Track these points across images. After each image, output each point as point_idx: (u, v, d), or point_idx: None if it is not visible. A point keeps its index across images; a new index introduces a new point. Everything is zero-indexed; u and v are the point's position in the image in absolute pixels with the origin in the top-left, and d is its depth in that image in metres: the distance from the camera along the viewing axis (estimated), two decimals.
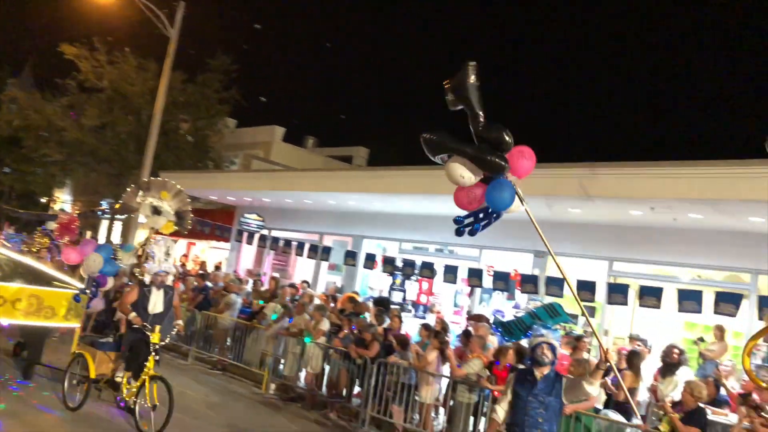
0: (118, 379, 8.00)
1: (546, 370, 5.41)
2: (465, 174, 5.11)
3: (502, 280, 10.76)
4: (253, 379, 11.48)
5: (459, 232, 5.36)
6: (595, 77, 56.53)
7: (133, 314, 7.91)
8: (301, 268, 18.38)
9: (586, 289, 9.83)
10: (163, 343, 7.86)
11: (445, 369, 9.28)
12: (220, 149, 25.80)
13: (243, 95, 25.20)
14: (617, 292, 9.69)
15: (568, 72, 58.95)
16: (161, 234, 10.66)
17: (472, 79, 5.02)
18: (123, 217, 26.77)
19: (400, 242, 15.24)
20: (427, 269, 12.15)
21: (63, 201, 34.71)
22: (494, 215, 5.31)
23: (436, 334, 9.42)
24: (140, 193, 9.54)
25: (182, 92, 24.03)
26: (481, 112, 5.02)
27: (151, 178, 9.78)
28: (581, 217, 11.31)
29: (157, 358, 7.65)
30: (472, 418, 8.79)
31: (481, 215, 5.32)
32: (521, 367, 8.49)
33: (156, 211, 9.47)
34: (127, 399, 7.71)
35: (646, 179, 9.37)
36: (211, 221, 19.41)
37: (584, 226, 11.73)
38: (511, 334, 6.10)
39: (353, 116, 62.18)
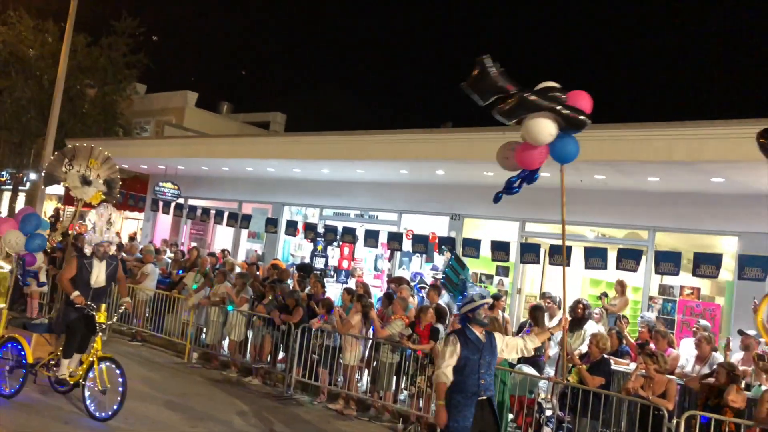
0: (64, 374, 7.21)
1: (484, 330, 5.48)
2: (553, 131, 5.39)
3: (421, 243, 11.06)
4: (174, 349, 11.37)
5: (497, 198, 5.84)
6: (504, 37, 57.72)
7: (75, 293, 7.14)
8: (220, 237, 18.14)
9: (500, 249, 10.27)
10: (110, 323, 7.31)
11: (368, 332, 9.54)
12: (130, 116, 24.81)
13: (152, 59, 24.27)
14: (529, 252, 10.17)
15: (475, 30, 59.86)
16: (91, 205, 9.93)
17: (493, 71, 5.14)
18: (26, 187, 25.41)
19: (321, 208, 15.30)
20: (349, 234, 12.31)
21: None
22: (533, 177, 5.74)
23: (359, 297, 9.63)
24: (65, 161, 8.54)
25: (87, 56, 22.85)
26: (526, 92, 5.23)
27: (76, 144, 8.64)
28: (494, 180, 11.71)
29: (104, 338, 7.14)
30: (394, 377, 9.10)
31: (526, 175, 5.73)
32: (439, 326, 8.89)
33: (85, 180, 8.51)
34: (71, 382, 7.20)
35: None
36: (124, 191, 18.71)
37: (497, 189, 12.11)
38: (452, 293, 6.17)
39: (268, 82, 60.82)
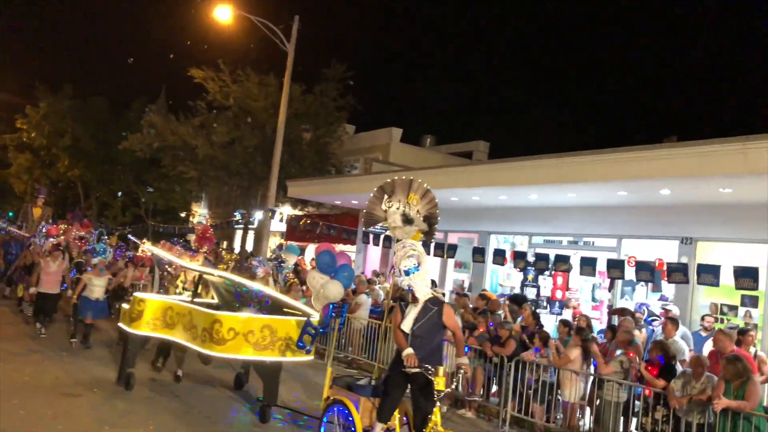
0: None
1: None
2: None
3: (647, 271, 9.95)
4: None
5: None
6: (742, 46, 52.17)
7: (408, 351, 5.81)
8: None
9: (746, 275, 8.85)
10: (449, 390, 5.92)
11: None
12: (341, 155, 26.35)
13: (358, 100, 25.59)
14: None
15: (716, 40, 54.85)
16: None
17: None
18: (254, 226, 28.10)
19: (530, 236, 14.70)
20: (563, 262, 11.52)
21: (200, 214, 37.08)
22: None
23: (579, 330, 8.96)
24: (385, 197, 7.46)
25: (302, 103, 24.79)
26: None
27: (395, 178, 7.61)
28: (732, 197, 10.30)
29: (444, 410, 6.15)
30: (622, 417, 8.23)
31: None
32: (675, 364, 7.88)
33: (407, 219, 7.28)
34: None
35: None
36: (338, 225, 19.81)
37: (736, 207, 10.68)
38: None
39: (469, 112, 61.47)
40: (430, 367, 5.71)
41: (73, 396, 8.03)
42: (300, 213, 25.12)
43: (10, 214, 42.40)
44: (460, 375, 6.12)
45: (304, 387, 9.93)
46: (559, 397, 8.95)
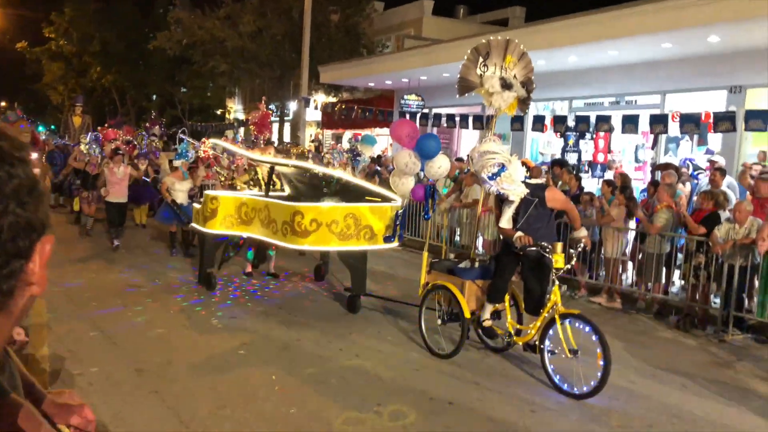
0: (486, 319, 6.01)
1: None
2: None
3: (692, 123, 9.64)
4: (431, 250, 11.71)
5: None
6: None
7: (519, 234, 5.47)
8: (465, 142, 18.12)
9: None
10: (568, 267, 5.60)
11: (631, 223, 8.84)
12: (371, 35, 25.57)
13: None
14: None
15: None
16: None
17: None
18: (290, 118, 28.06)
19: (570, 100, 14.31)
20: (604, 123, 11.23)
21: (236, 110, 37.10)
22: None
23: (623, 189, 8.91)
24: (480, 61, 6.63)
25: None
26: None
27: (490, 38, 6.74)
28: None
29: (564, 288, 5.89)
30: (664, 269, 8.34)
31: None
32: (720, 213, 7.82)
33: (505, 84, 6.50)
34: (518, 342, 5.81)
35: None
36: (373, 107, 19.61)
37: None
38: None
39: None
40: (546, 244, 5.43)
41: (143, 289, 8.34)
42: (334, 100, 24.86)
43: (53, 127, 43.23)
44: (580, 249, 5.74)
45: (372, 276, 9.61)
46: (602, 255, 9.06)
